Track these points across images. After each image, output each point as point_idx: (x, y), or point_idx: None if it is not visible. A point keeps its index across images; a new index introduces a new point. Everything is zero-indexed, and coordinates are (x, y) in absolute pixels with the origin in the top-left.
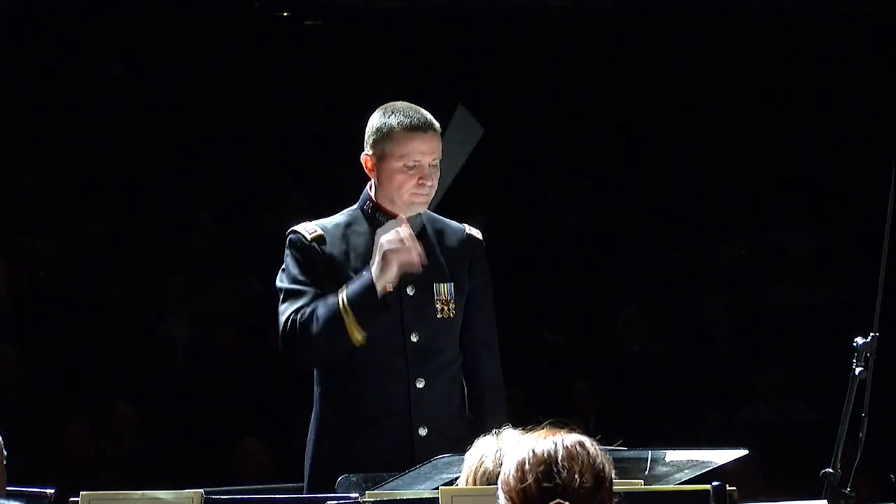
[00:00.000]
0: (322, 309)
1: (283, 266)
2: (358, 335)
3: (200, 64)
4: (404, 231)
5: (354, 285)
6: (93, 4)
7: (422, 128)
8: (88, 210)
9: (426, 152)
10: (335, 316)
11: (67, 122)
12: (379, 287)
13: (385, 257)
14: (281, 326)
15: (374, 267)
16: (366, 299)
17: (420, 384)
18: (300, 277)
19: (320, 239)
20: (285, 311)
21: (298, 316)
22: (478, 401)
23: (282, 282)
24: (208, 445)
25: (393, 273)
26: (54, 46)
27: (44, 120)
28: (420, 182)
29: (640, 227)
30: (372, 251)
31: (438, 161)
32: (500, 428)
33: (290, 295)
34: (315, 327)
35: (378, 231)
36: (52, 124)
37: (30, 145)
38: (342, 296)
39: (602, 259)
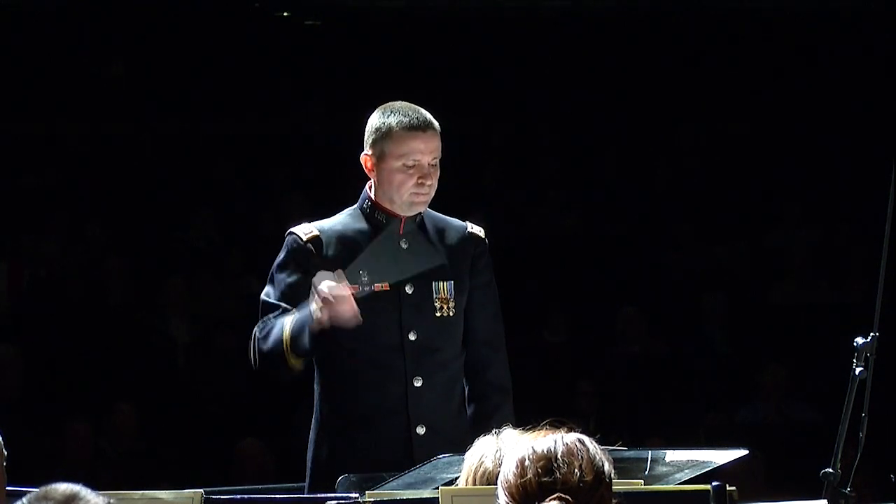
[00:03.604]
0: (275, 330)
1: (273, 268)
2: (295, 363)
3: (200, 64)
4: (339, 289)
5: (297, 320)
6: (93, 4)
7: (421, 127)
8: (88, 210)
9: (425, 151)
10: (278, 343)
11: (67, 123)
12: (314, 328)
13: (318, 307)
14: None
15: (312, 307)
16: (302, 336)
17: (418, 383)
18: (283, 288)
19: (316, 240)
20: (258, 322)
21: (258, 331)
22: (482, 401)
23: (265, 292)
24: (208, 445)
25: (324, 322)
26: (54, 47)
27: (44, 120)
28: (420, 182)
29: (640, 227)
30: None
31: (438, 161)
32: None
33: (265, 308)
34: (264, 346)
35: (315, 279)
36: (52, 124)
37: (30, 145)
38: (287, 326)
39: (602, 259)
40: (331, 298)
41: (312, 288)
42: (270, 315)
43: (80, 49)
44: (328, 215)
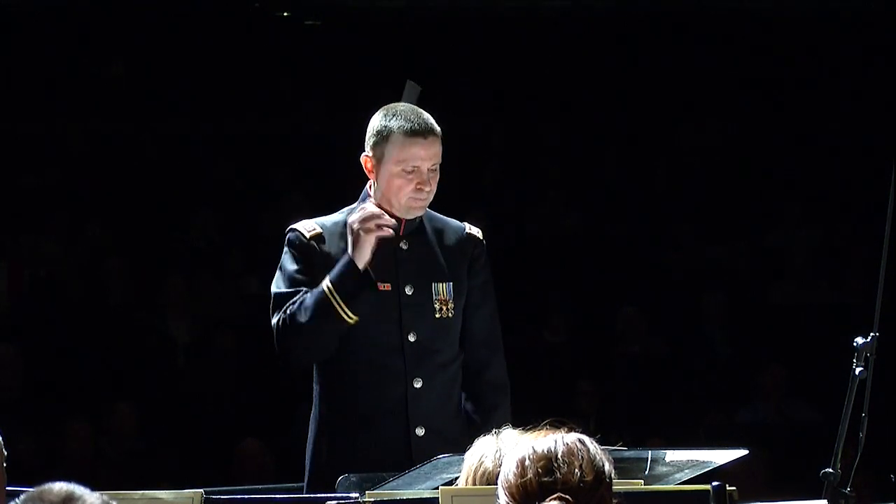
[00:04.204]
0: (309, 298)
1: (280, 266)
2: (349, 313)
3: (200, 64)
4: (370, 207)
5: (336, 268)
6: (93, 4)
7: (422, 133)
8: (88, 210)
9: (425, 158)
10: (322, 301)
11: (67, 123)
12: (359, 264)
13: (357, 235)
14: (274, 328)
15: (350, 248)
16: (348, 276)
17: (418, 384)
18: (296, 277)
19: (319, 237)
20: (277, 313)
21: (287, 311)
22: (480, 401)
23: (276, 286)
24: (208, 445)
25: (367, 249)
26: (55, 47)
27: (44, 120)
28: (418, 187)
29: (640, 227)
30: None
31: (438, 166)
32: (502, 428)
33: (282, 298)
34: (304, 317)
35: (347, 217)
36: (53, 124)
37: (30, 145)
38: (326, 281)
39: (602, 259)
40: (371, 217)
41: (348, 228)
42: (291, 300)
43: (80, 49)
44: (328, 214)
